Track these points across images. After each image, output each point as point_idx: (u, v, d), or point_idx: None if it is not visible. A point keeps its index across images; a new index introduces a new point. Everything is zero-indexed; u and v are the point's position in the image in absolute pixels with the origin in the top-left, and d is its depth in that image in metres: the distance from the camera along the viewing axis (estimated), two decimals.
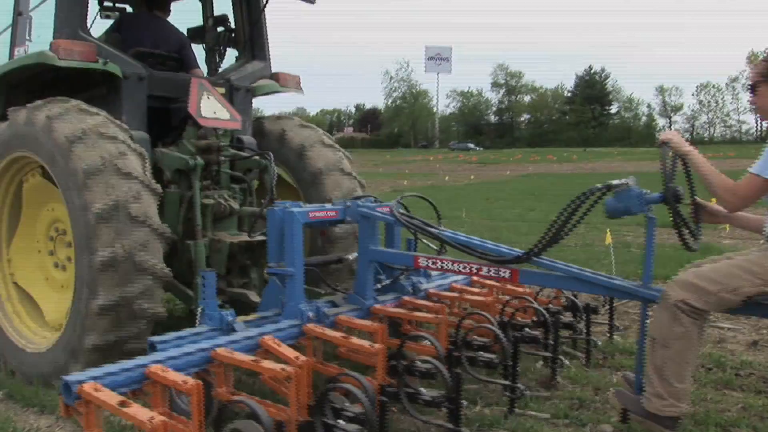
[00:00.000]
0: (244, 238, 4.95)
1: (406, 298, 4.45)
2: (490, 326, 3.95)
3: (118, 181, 4.08)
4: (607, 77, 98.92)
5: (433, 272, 4.87)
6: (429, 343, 3.76)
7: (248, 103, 5.68)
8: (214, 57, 6.10)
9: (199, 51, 6.10)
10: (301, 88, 6.09)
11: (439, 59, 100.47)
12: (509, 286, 4.87)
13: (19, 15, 5.10)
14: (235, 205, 5.08)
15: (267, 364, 3.13)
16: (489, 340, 3.96)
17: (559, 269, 3.63)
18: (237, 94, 5.55)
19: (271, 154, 5.13)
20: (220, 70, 5.94)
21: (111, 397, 2.71)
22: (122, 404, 2.67)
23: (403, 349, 3.72)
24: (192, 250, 4.73)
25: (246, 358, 3.20)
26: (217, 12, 6.08)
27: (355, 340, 3.61)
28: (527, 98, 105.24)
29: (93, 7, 5.99)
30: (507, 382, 3.80)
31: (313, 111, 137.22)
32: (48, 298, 4.76)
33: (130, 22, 5.66)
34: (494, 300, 4.61)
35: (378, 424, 2.97)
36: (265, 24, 5.94)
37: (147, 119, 4.99)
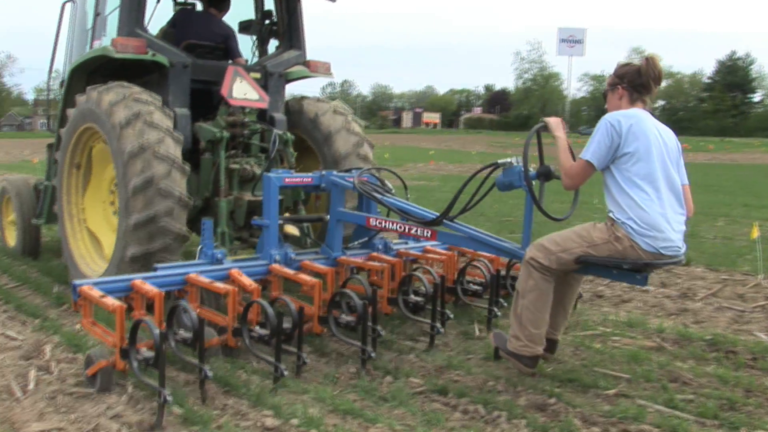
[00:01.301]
0: (258, 195, 6.07)
1: (374, 254, 5.43)
2: (419, 275, 4.89)
3: (154, 161, 5.28)
4: (751, 63, 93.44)
5: (421, 238, 5.80)
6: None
7: (281, 87, 6.77)
8: (260, 46, 7.28)
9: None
10: (331, 73, 7.11)
11: (572, 41, 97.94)
12: (480, 252, 5.72)
13: (98, 15, 6.42)
14: (258, 170, 6.18)
15: (218, 284, 4.24)
16: (430, 288, 4.89)
17: (463, 231, 4.52)
18: (271, 79, 6.65)
19: (274, 129, 6.16)
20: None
21: (96, 293, 3.92)
22: (102, 296, 3.87)
23: (345, 288, 4.74)
24: (218, 206, 5.90)
25: (206, 280, 4.32)
26: (266, 8, 7.23)
27: (302, 276, 4.65)
28: (662, 84, 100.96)
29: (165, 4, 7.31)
30: (427, 321, 4.73)
31: (442, 90, 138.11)
32: (108, 237, 6.07)
33: (183, 19, 6.86)
34: (448, 260, 5.50)
35: (280, 333, 3.98)
36: (302, 18, 6.99)
37: (191, 99, 6.18)
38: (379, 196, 4.93)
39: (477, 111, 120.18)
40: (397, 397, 3.85)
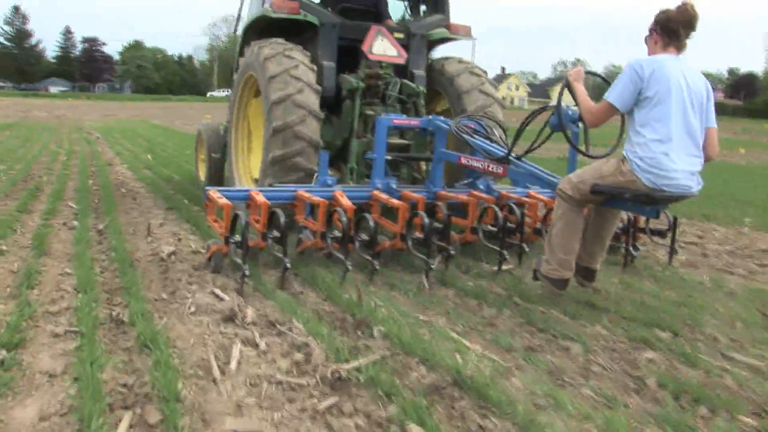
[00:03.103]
0: (394, 140, 6.88)
1: (474, 192, 6.03)
2: (495, 208, 5.45)
3: (293, 109, 6.22)
4: None
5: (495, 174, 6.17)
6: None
7: (423, 46, 7.52)
8: (412, 9, 8.08)
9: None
10: (471, 36, 7.75)
11: None
12: None
13: None
14: None
15: (315, 197, 5.13)
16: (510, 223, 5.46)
17: (524, 168, 5.04)
18: (413, 39, 7.43)
19: (397, 78, 6.91)
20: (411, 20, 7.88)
21: (217, 194, 5.00)
22: (219, 198, 4.93)
23: (418, 213, 5.41)
24: (351, 145, 6.83)
25: (308, 195, 5.23)
26: None
27: (393, 200, 5.40)
28: None
29: None
30: (496, 248, 5.30)
31: None
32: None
33: None
34: (537, 203, 5.95)
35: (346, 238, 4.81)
36: None
37: (339, 54, 7.13)
38: (467, 136, 5.56)
39: (719, 95, 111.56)
40: None
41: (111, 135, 21.43)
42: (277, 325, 3.91)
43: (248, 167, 7.48)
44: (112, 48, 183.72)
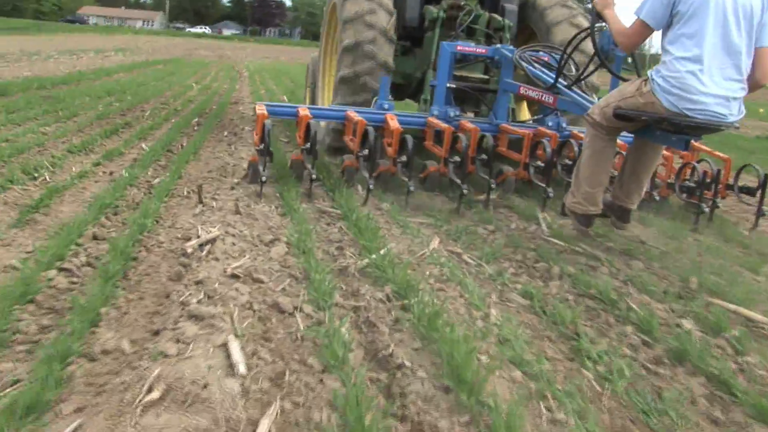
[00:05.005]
0: (474, 74, 6.67)
1: (541, 128, 5.72)
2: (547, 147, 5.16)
3: (363, 28, 6.21)
4: None
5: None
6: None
7: None
8: None
9: None
10: None
11: None
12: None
13: None
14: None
15: (357, 117, 5.10)
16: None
17: (570, 96, 4.74)
18: None
19: (470, 7, 6.67)
20: None
21: (262, 108, 5.07)
22: (261, 111, 5.00)
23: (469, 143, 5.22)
24: (426, 76, 6.70)
25: (358, 117, 5.18)
26: None
27: (443, 125, 5.24)
28: None
29: None
30: (542, 184, 5.05)
31: None
32: None
33: None
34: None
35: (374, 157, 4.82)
36: None
37: None
38: (525, 64, 5.30)
39: None
40: None
41: (260, 74, 21.57)
42: None
43: (330, 94, 7.53)
44: None
